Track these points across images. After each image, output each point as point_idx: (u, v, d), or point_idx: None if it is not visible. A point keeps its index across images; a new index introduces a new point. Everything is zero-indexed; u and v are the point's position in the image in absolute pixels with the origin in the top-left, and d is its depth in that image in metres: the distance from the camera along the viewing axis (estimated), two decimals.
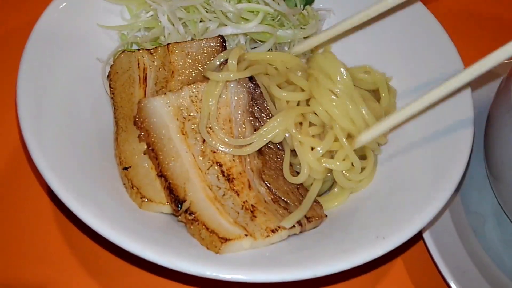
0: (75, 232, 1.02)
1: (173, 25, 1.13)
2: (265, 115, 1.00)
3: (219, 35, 1.07)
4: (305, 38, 1.17)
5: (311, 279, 0.82)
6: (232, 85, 0.99)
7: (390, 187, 0.97)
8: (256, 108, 0.99)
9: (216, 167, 0.95)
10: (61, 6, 1.08)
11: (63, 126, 0.95)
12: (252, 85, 1.00)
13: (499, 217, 1.08)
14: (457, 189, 0.99)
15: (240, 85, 0.99)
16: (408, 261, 1.03)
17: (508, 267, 1.02)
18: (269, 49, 1.15)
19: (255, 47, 1.17)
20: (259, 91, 1.00)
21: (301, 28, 1.17)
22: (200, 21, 1.14)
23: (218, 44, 1.06)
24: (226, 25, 1.12)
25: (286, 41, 1.17)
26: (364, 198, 0.98)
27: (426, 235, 0.98)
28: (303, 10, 1.17)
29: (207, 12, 1.13)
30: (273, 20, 1.15)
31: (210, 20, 1.13)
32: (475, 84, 1.17)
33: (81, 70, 1.06)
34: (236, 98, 1.00)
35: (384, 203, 0.94)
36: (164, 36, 1.15)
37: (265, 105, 1.00)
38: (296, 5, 1.13)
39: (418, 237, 0.99)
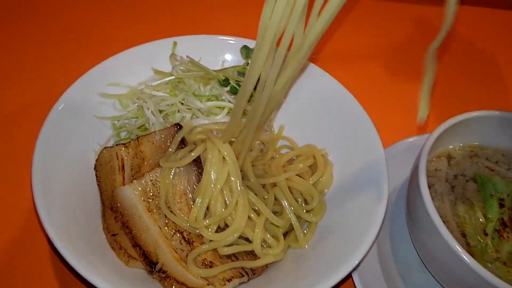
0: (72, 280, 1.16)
1: (155, 116, 1.33)
2: None
3: (175, 124, 1.26)
4: None
5: None
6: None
7: (322, 244, 1.16)
8: None
9: (178, 234, 1.13)
10: (61, 107, 1.24)
11: (68, 203, 1.13)
12: (195, 167, 1.18)
13: (423, 266, 1.17)
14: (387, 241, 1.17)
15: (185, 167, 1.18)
16: None
17: None
18: None
19: None
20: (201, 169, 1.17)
21: None
22: (178, 112, 1.37)
23: (174, 131, 1.24)
24: (198, 117, 1.36)
25: None
26: (301, 253, 1.15)
27: (356, 281, 1.13)
28: None
29: (182, 105, 1.36)
30: None
31: (185, 111, 1.36)
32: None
33: (83, 156, 1.24)
34: (186, 175, 1.18)
35: (317, 257, 1.13)
36: (149, 124, 1.34)
37: None
38: None
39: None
